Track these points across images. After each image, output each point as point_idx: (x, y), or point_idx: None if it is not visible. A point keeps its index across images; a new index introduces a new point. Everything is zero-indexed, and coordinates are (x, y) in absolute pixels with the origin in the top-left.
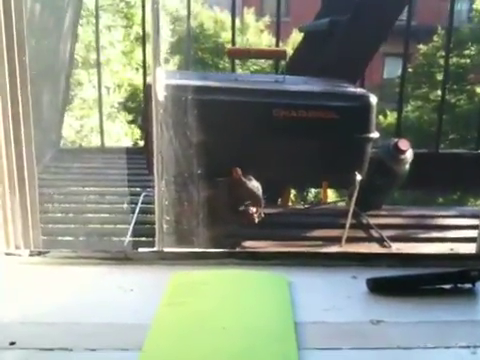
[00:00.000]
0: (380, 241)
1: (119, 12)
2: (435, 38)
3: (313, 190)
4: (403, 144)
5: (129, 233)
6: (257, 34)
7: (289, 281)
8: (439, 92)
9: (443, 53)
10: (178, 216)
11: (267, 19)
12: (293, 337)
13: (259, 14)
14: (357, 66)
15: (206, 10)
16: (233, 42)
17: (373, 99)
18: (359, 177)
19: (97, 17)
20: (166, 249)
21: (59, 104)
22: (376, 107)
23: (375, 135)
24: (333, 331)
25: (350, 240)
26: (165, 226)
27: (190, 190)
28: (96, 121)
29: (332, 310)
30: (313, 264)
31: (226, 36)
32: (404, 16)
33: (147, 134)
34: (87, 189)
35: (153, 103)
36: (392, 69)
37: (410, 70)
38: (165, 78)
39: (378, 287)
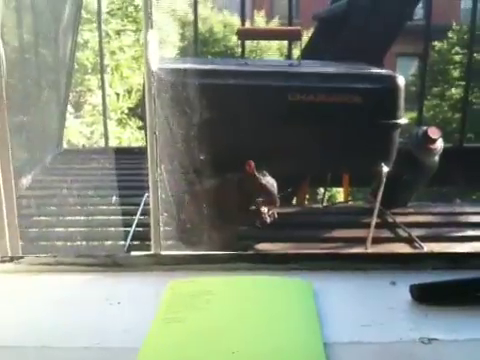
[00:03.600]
0: (409, 241)
1: (128, 16)
2: (450, 34)
3: (328, 188)
4: (433, 132)
5: (129, 237)
6: None
7: (314, 289)
8: (454, 90)
9: (459, 49)
10: (180, 216)
11: (277, 21)
12: None
13: (269, 16)
14: (379, 49)
15: (215, 14)
16: (243, 23)
17: (401, 80)
18: (386, 169)
19: (99, 14)
20: (163, 252)
21: (60, 105)
22: (404, 89)
23: (403, 121)
24: (376, 354)
25: (375, 241)
26: (163, 224)
27: (194, 186)
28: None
29: (371, 326)
30: (342, 268)
31: (236, 40)
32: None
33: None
34: (88, 191)
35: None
36: (405, 69)
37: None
38: (169, 63)
39: (425, 295)
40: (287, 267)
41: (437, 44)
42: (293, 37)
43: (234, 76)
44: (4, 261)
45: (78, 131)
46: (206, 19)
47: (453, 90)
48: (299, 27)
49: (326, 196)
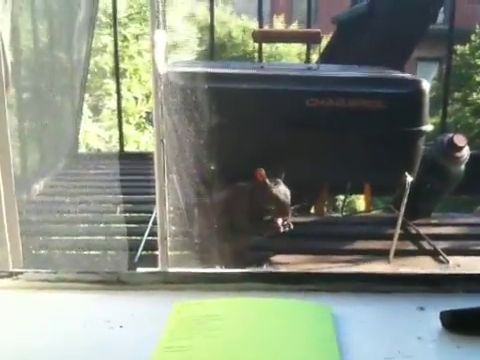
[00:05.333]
0: (434, 254)
1: (146, 20)
2: (472, 37)
3: (343, 196)
4: (459, 139)
5: (141, 246)
6: None
7: (333, 314)
8: (476, 95)
9: None
10: (189, 227)
11: (296, 25)
12: None
13: (288, 21)
14: (401, 53)
15: (234, 19)
16: (261, 27)
17: (426, 85)
18: (410, 178)
19: (115, 18)
20: (171, 269)
21: (75, 110)
22: (429, 94)
23: (428, 128)
24: None
25: (398, 254)
26: (173, 236)
27: (207, 195)
28: (125, 131)
29: (397, 359)
30: (363, 289)
31: (254, 45)
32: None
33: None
34: (100, 197)
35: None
36: (425, 74)
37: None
38: (181, 66)
39: (458, 323)
40: (303, 288)
41: (459, 47)
42: (312, 39)
43: (249, 80)
44: (2, 276)
45: (96, 135)
46: (224, 24)
47: (475, 95)
48: (319, 29)
49: (345, 203)
